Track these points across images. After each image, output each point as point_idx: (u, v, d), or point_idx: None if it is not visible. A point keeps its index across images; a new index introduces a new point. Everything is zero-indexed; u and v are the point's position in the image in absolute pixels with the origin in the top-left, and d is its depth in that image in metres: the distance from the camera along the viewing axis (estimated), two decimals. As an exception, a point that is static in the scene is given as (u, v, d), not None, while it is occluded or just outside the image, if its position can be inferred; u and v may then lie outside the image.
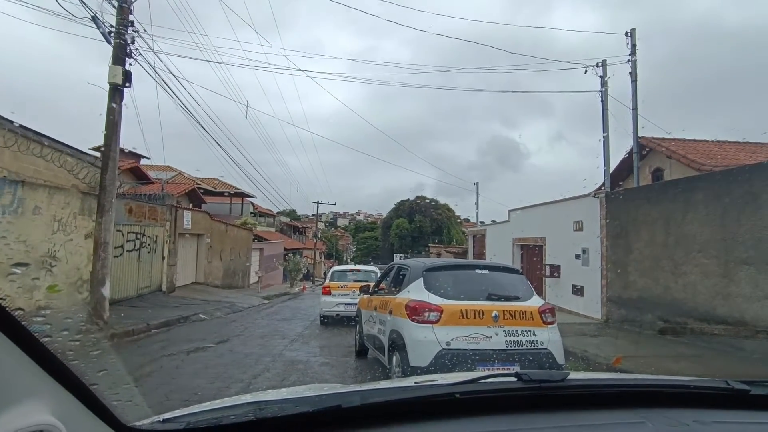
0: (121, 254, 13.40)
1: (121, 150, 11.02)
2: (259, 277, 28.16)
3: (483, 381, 1.48)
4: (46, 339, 0.85)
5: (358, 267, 15.01)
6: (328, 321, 12.30)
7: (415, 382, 1.62)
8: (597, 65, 14.13)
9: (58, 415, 0.86)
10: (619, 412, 1.38)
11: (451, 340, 5.07)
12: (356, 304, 9.59)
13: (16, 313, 0.79)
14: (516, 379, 1.41)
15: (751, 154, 13.95)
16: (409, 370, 5.04)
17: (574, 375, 1.51)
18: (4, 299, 0.77)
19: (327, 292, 12.54)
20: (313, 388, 1.96)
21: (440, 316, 5.16)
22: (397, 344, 5.44)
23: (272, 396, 1.71)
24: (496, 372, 2.78)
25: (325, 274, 44.86)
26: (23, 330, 0.80)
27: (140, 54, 9.74)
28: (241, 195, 35.12)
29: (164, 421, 1.28)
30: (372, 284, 8.17)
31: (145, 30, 9.82)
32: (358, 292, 9.94)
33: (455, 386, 1.43)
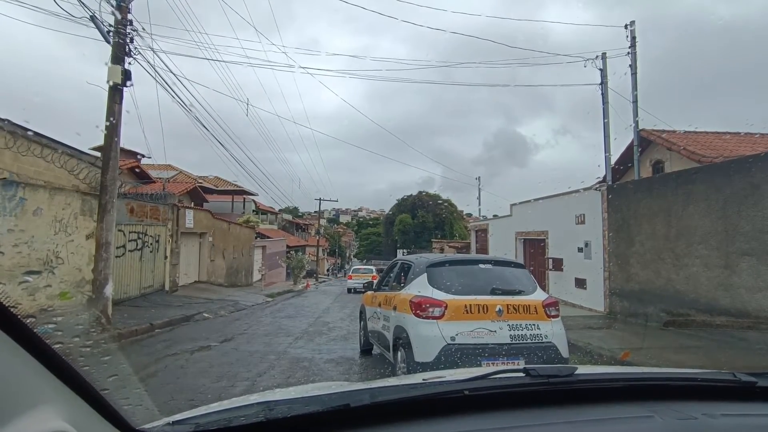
0: (123, 254, 13.43)
1: (122, 149, 11.01)
2: (262, 275, 28.17)
3: (491, 377, 1.48)
4: (57, 345, 0.85)
5: (363, 266, 32.98)
6: (352, 292, 24.21)
7: (423, 379, 1.62)
8: (596, 58, 14.10)
9: (70, 421, 0.86)
10: (627, 406, 1.38)
11: (456, 335, 5.08)
12: (361, 283, 21.85)
13: (28, 321, 0.79)
14: (524, 375, 1.41)
15: (751, 145, 13.90)
16: (414, 366, 5.05)
17: (582, 369, 1.50)
18: (16, 307, 0.78)
19: (350, 278, 27.16)
20: (320, 387, 1.96)
21: (444, 312, 5.16)
22: (402, 340, 5.45)
23: (280, 395, 1.71)
24: (504, 367, 2.78)
25: (328, 270, 60.20)
26: (35, 337, 0.81)
27: (140, 53, 9.73)
28: (243, 193, 35.14)
29: (173, 423, 1.28)
30: (375, 280, 8.17)
31: (144, 29, 9.81)
32: (363, 279, 23.38)
33: (463, 383, 1.43)
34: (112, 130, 9.33)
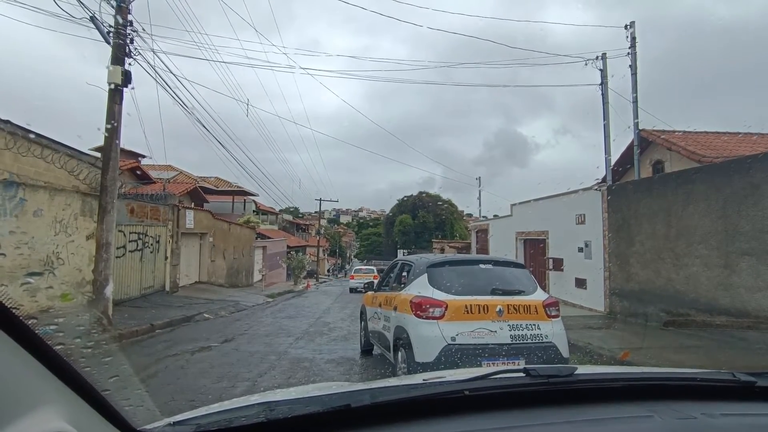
0: (123, 255, 13.43)
1: (122, 150, 11.01)
2: (262, 276, 28.18)
3: (491, 377, 1.49)
4: (58, 346, 0.86)
5: (364, 267, 34.23)
6: (354, 292, 24.26)
7: (424, 380, 1.62)
8: (596, 58, 14.12)
9: (71, 421, 0.87)
10: (627, 405, 1.39)
11: (456, 335, 5.08)
12: (362, 283, 21.28)
13: (29, 322, 0.80)
14: (524, 375, 1.42)
15: (751, 145, 13.90)
16: (414, 366, 5.05)
17: (581, 369, 1.51)
18: (17, 308, 0.78)
19: (352, 278, 27.77)
20: (321, 387, 1.96)
21: (445, 312, 5.17)
22: (403, 340, 5.45)
23: (281, 396, 1.72)
24: (504, 368, 2.78)
25: (328, 271, 61.35)
26: (37, 338, 0.81)
27: (140, 54, 9.73)
28: (243, 193, 35.15)
29: (174, 424, 1.28)
30: (376, 280, 8.18)
31: (144, 30, 9.81)
32: (364, 279, 23.56)
33: (464, 383, 1.43)
34: (113, 131, 9.33)
